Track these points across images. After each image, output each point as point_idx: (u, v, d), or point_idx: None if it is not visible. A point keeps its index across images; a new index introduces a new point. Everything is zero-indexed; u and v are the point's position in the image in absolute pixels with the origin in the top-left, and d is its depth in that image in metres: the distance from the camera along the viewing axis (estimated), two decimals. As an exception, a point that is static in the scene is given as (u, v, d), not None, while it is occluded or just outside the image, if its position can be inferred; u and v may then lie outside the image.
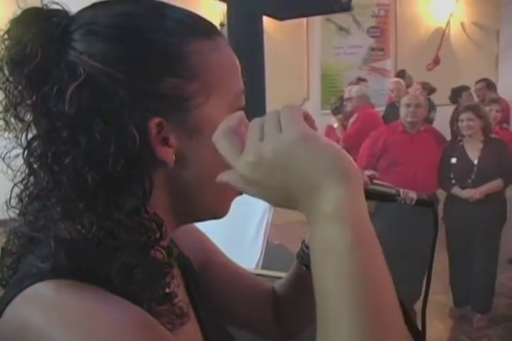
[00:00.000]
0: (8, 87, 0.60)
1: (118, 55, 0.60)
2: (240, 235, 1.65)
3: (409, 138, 3.87)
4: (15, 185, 0.65)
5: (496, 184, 3.73)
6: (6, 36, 0.60)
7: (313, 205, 0.52)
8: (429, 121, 4.97)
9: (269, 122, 0.55)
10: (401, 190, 0.75)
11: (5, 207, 0.65)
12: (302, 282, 0.85)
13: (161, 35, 0.62)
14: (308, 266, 0.61)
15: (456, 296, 3.99)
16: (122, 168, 0.58)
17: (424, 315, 0.79)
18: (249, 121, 0.69)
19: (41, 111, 0.59)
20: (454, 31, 8.24)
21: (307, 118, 0.56)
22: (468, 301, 3.93)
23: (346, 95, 5.22)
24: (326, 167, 0.52)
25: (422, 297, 0.82)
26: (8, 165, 0.63)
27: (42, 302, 0.55)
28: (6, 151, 0.62)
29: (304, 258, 0.84)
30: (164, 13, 0.64)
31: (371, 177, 0.75)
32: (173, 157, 0.62)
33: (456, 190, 3.77)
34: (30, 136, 0.62)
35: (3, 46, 0.60)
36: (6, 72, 0.60)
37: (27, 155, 0.62)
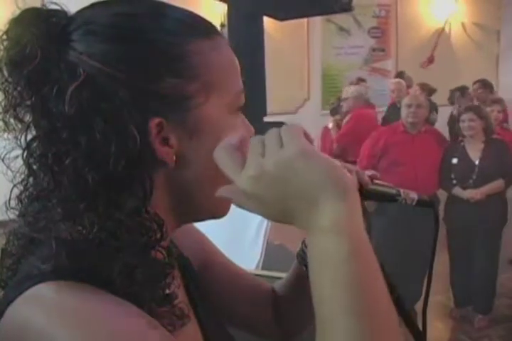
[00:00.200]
0: (7, 88, 0.60)
1: (118, 54, 0.60)
2: (240, 236, 1.65)
3: (410, 139, 3.86)
4: (14, 186, 0.65)
5: (497, 184, 3.73)
6: (4, 37, 0.60)
7: (311, 218, 0.54)
8: (430, 122, 4.97)
9: (271, 139, 0.57)
10: (402, 190, 0.75)
11: (4, 208, 0.65)
12: (302, 282, 0.85)
13: (161, 34, 0.62)
14: (308, 266, 0.61)
15: (456, 297, 3.99)
16: (123, 168, 0.58)
17: (424, 315, 0.79)
18: (250, 120, 0.70)
19: (41, 112, 0.59)
20: (455, 31, 8.24)
21: (306, 136, 0.58)
22: (469, 302, 3.93)
23: (343, 95, 5.24)
24: (324, 182, 0.54)
25: (422, 297, 0.82)
26: (7, 166, 0.63)
27: (43, 303, 0.54)
28: (5, 152, 0.62)
29: (304, 259, 0.84)
30: (164, 12, 0.64)
31: (372, 177, 0.75)
32: (174, 157, 0.62)
33: (457, 191, 3.76)
34: (29, 136, 0.61)
35: (1, 47, 0.60)
36: (5, 72, 0.60)
37: (26, 156, 0.62)
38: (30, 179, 0.64)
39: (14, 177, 0.64)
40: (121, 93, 0.58)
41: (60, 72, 0.58)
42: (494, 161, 3.70)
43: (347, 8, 2.18)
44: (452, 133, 5.16)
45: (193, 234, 0.89)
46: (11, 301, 0.55)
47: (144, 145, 0.59)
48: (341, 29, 7.80)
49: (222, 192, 0.61)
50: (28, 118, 0.61)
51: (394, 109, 5.57)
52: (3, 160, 0.62)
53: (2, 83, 0.60)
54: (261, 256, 1.68)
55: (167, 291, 0.63)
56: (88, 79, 0.58)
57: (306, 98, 7.67)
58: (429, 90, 6.22)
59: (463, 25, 8.25)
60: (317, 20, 7.32)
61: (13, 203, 0.65)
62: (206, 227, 0.90)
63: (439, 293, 3.86)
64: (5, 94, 0.61)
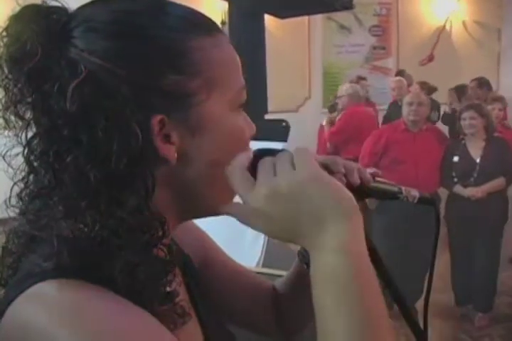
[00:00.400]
0: (7, 85, 0.60)
1: (119, 51, 0.60)
2: (241, 233, 1.64)
3: (411, 137, 3.87)
4: (15, 183, 0.64)
5: (498, 182, 3.73)
6: (4, 33, 0.59)
7: (319, 237, 0.58)
8: (431, 120, 4.96)
9: (283, 161, 0.61)
10: (403, 188, 0.75)
11: (4, 206, 0.65)
12: (303, 280, 0.85)
13: (162, 31, 0.62)
14: (309, 264, 0.61)
15: (457, 295, 3.99)
16: (124, 166, 0.58)
17: (426, 313, 0.79)
18: (251, 118, 0.70)
19: (42, 109, 0.59)
20: (456, 30, 8.22)
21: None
22: (470, 300, 3.93)
23: (338, 93, 5.24)
24: (333, 204, 0.59)
25: (423, 296, 0.82)
26: (8, 164, 0.63)
27: (44, 301, 0.54)
28: (5, 150, 0.62)
29: (305, 257, 0.84)
30: (165, 9, 0.64)
31: (373, 175, 0.75)
32: (175, 154, 0.62)
33: (458, 189, 3.76)
34: (30, 134, 0.61)
35: (1, 43, 0.59)
36: (5, 69, 0.60)
37: (27, 153, 0.61)
38: (31, 177, 0.63)
39: (15, 174, 0.64)
40: (122, 90, 0.58)
41: (61, 69, 0.58)
42: (495, 159, 3.70)
43: (348, 6, 2.18)
44: (452, 131, 5.15)
45: (193, 231, 0.89)
46: (12, 300, 0.55)
47: (146, 143, 0.59)
48: (342, 27, 7.79)
49: (227, 209, 0.64)
50: (28, 115, 0.61)
51: (395, 107, 5.56)
52: (3, 158, 0.62)
53: (2, 80, 0.60)
54: (262, 254, 1.67)
55: (168, 289, 0.62)
56: (89, 76, 0.57)
57: (307, 96, 7.66)
58: (428, 89, 6.21)
59: (464, 23, 8.23)
60: (318, 18, 7.31)
61: (13, 201, 0.65)
62: (207, 225, 0.90)
63: (440, 292, 3.85)
64: (5, 91, 0.60)
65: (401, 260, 3.40)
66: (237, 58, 0.68)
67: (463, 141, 3.82)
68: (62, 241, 0.57)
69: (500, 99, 4.99)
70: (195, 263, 0.85)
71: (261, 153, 0.72)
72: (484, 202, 3.66)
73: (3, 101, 0.61)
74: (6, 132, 0.62)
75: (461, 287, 3.96)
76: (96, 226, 0.57)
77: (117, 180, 0.58)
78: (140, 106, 0.59)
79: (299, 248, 0.87)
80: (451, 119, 5.62)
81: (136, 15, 0.62)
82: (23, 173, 0.64)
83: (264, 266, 1.66)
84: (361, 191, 0.74)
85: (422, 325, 0.79)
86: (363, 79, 6.46)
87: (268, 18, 2.22)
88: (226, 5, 2.21)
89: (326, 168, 0.73)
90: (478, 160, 3.73)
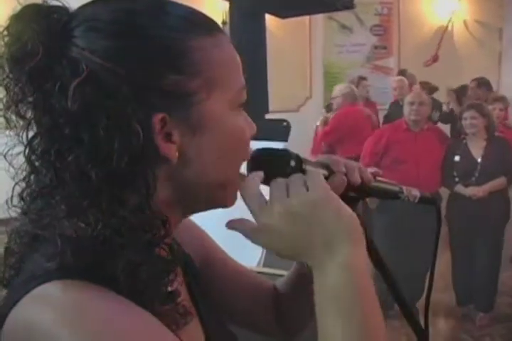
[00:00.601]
0: (8, 84, 0.60)
1: (119, 51, 0.60)
2: (242, 233, 1.64)
3: (412, 137, 3.87)
4: (16, 183, 0.64)
5: (499, 182, 3.73)
6: (5, 33, 0.59)
7: (325, 256, 0.62)
8: (431, 120, 4.95)
9: (296, 182, 0.65)
10: (404, 188, 0.75)
11: (6, 207, 0.65)
12: (304, 280, 0.85)
13: (163, 31, 0.62)
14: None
15: (458, 295, 3.99)
16: (126, 165, 0.58)
17: (427, 313, 0.79)
18: (252, 118, 0.70)
19: (43, 108, 0.59)
20: (457, 29, 8.21)
21: None
22: (471, 300, 3.93)
23: (333, 94, 5.24)
24: (341, 226, 0.63)
25: (424, 295, 0.82)
26: (10, 163, 0.63)
27: (49, 302, 0.54)
28: (7, 149, 0.62)
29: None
30: (166, 9, 0.64)
31: (374, 175, 0.75)
32: (176, 153, 0.62)
33: (460, 188, 3.76)
34: (31, 133, 0.61)
35: (2, 43, 0.60)
36: (6, 69, 0.60)
37: (28, 153, 0.61)
38: (32, 176, 0.63)
39: (16, 174, 0.64)
40: (123, 89, 0.58)
41: (62, 68, 0.58)
42: (496, 159, 3.69)
43: (349, 6, 2.17)
44: (454, 131, 5.15)
45: (192, 230, 0.89)
46: (17, 301, 0.55)
47: (147, 141, 0.59)
48: (343, 27, 7.78)
49: (234, 225, 0.67)
50: (29, 114, 0.61)
51: (396, 107, 5.56)
52: (5, 157, 0.62)
53: (3, 79, 0.60)
54: (262, 253, 1.67)
55: (170, 289, 0.63)
56: (91, 75, 0.58)
57: (308, 96, 7.66)
58: (429, 89, 6.20)
59: (465, 22, 8.22)
60: (319, 17, 7.30)
61: (15, 201, 0.65)
62: (207, 224, 0.90)
63: (441, 291, 3.85)
64: (6, 90, 0.60)
65: (402, 259, 3.40)
66: (238, 58, 0.69)
67: (464, 141, 3.82)
68: (65, 240, 0.57)
69: (501, 99, 4.98)
70: (196, 262, 0.85)
71: (261, 153, 0.72)
72: (485, 202, 3.66)
73: (4, 100, 0.61)
74: (7, 131, 0.62)
75: (462, 287, 3.96)
76: (98, 225, 0.57)
77: (118, 178, 0.59)
78: (141, 105, 0.59)
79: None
80: (450, 118, 5.61)
81: (137, 14, 0.62)
82: (25, 173, 0.64)
83: (265, 265, 1.66)
84: (362, 190, 0.74)
85: (423, 325, 0.79)
86: (364, 79, 6.45)
87: (269, 18, 2.21)
88: (227, 5, 2.21)
89: (327, 167, 0.73)
90: (479, 160, 3.73)
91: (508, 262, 4.55)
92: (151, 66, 0.60)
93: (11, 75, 0.60)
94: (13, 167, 0.63)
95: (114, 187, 0.58)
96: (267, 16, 2.21)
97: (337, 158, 0.74)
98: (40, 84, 0.58)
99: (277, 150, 0.73)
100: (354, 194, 0.74)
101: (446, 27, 8.06)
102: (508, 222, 3.86)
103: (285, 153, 0.72)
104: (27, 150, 0.62)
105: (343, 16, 7.42)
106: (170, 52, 0.61)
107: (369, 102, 6.20)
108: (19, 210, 0.65)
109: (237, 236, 0.67)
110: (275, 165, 0.70)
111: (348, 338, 0.59)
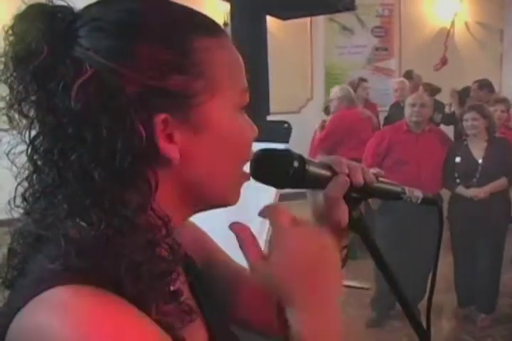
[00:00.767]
0: (12, 83, 0.60)
1: (123, 51, 0.60)
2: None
3: (413, 138, 3.87)
4: (19, 184, 0.64)
5: (500, 183, 3.73)
6: (10, 32, 0.60)
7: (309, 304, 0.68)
8: (433, 121, 4.95)
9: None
10: (407, 188, 0.75)
11: (8, 207, 0.65)
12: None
13: (167, 31, 0.62)
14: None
15: (460, 296, 3.99)
16: (128, 165, 0.58)
17: (428, 314, 0.79)
18: (253, 119, 0.70)
19: (46, 107, 0.59)
20: (458, 31, 8.22)
21: None
22: (473, 301, 3.93)
23: (330, 97, 5.22)
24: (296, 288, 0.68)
25: (426, 296, 0.82)
26: (12, 162, 0.63)
27: (55, 307, 0.54)
28: (9, 148, 0.62)
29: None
30: (170, 10, 0.64)
31: (376, 175, 0.75)
32: (178, 154, 0.62)
33: (461, 189, 3.76)
34: (33, 133, 0.61)
35: (7, 42, 0.60)
36: (10, 67, 0.60)
37: (31, 152, 0.62)
38: (35, 176, 0.64)
39: (18, 173, 0.64)
40: (127, 89, 0.58)
41: (66, 67, 0.58)
42: (497, 160, 3.70)
43: (350, 8, 2.17)
44: (457, 132, 5.15)
45: (193, 231, 0.89)
46: (22, 305, 0.55)
47: (149, 142, 0.59)
48: (344, 28, 7.79)
49: (257, 267, 0.67)
50: (32, 113, 0.61)
51: (397, 109, 5.56)
52: (7, 156, 0.62)
53: (7, 78, 0.60)
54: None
55: (172, 288, 0.63)
56: (94, 75, 0.58)
57: (309, 97, 7.67)
58: (431, 90, 6.21)
59: (466, 24, 8.23)
60: (320, 19, 7.32)
61: (17, 201, 0.65)
62: (207, 225, 0.90)
63: (443, 292, 3.85)
64: (10, 89, 0.60)
65: (404, 260, 3.40)
66: (240, 59, 0.69)
67: (465, 142, 3.82)
68: (68, 241, 0.57)
69: (503, 101, 4.98)
70: (198, 263, 0.85)
71: (265, 154, 0.72)
72: (487, 203, 3.66)
73: (7, 99, 0.61)
74: (10, 130, 0.63)
75: (463, 288, 3.96)
76: (101, 225, 0.57)
77: (121, 178, 0.59)
78: (144, 106, 0.59)
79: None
80: (452, 120, 5.61)
81: (141, 15, 0.62)
82: (27, 172, 0.64)
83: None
84: (365, 191, 0.74)
85: (424, 325, 0.79)
86: (364, 80, 6.46)
87: (270, 20, 2.21)
88: (228, 6, 2.21)
89: (330, 168, 0.73)
90: (480, 161, 3.73)
91: (509, 263, 4.55)
92: (154, 66, 0.60)
93: (14, 74, 0.60)
94: (15, 166, 0.63)
95: (117, 186, 0.58)
96: (268, 18, 2.21)
97: (340, 158, 0.74)
98: (43, 84, 0.58)
99: (280, 150, 0.73)
100: (356, 195, 0.74)
101: (449, 30, 8.06)
102: (509, 222, 3.86)
103: (288, 154, 0.72)
104: (29, 149, 0.62)
105: (344, 18, 7.43)
106: (173, 52, 0.61)
107: (369, 104, 6.20)
108: (22, 211, 0.65)
109: (238, 237, 0.67)
110: (278, 166, 0.70)
111: None
